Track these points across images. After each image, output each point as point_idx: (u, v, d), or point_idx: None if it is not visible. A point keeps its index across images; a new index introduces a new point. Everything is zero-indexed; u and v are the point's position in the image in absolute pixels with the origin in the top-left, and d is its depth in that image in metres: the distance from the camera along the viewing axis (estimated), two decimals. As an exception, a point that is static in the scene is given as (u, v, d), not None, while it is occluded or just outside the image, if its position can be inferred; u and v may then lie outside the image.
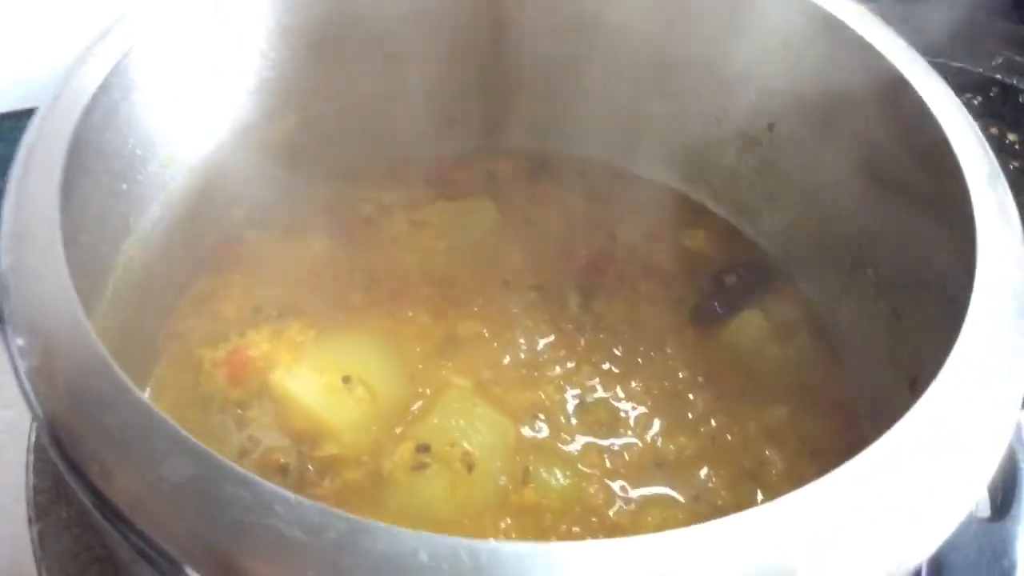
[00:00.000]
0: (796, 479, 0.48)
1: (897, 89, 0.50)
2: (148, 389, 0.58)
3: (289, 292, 0.62)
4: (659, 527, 0.49)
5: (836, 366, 0.61)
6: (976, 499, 0.39)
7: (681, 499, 0.54)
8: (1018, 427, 0.43)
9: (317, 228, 0.66)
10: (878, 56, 0.52)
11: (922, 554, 0.37)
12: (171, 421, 0.34)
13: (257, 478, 0.33)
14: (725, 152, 0.67)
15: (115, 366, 0.35)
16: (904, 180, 0.52)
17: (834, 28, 0.54)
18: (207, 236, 0.62)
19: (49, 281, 0.38)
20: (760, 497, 0.55)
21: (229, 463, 0.33)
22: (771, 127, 0.63)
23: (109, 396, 0.35)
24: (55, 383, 0.36)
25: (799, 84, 0.59)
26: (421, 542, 0.32)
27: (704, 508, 0.54)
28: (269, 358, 0.58)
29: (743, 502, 0.55)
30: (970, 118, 0.48)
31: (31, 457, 0.53)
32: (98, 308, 0.50)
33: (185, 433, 0.34)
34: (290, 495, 0.32)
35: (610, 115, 0.69)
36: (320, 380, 0.57)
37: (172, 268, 0.60)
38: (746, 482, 0.55)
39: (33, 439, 0.53)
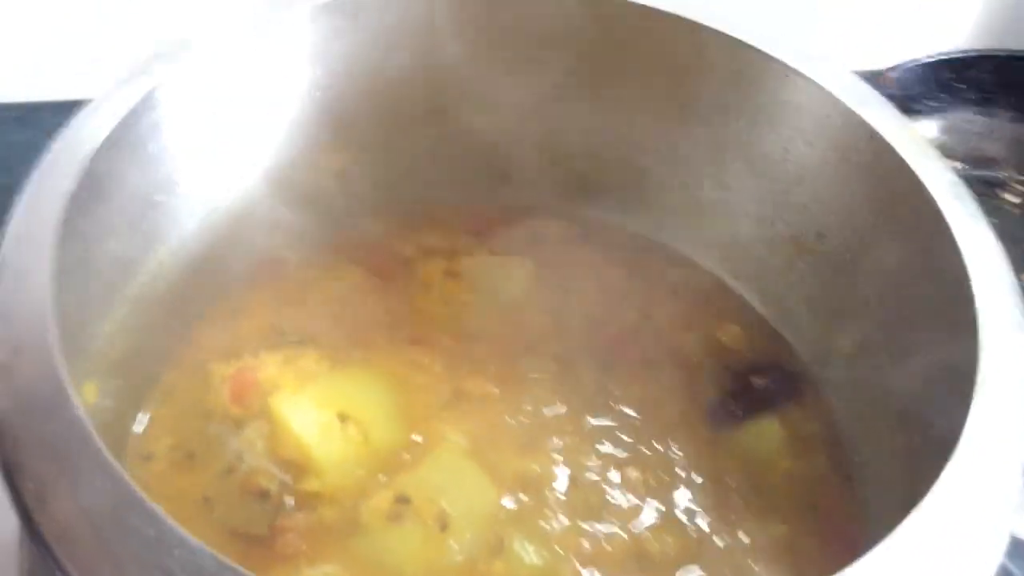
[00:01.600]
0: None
1: (933, 221, 0.48)
2: (156, 392, 0.60)
3: (313, 320, 0.63)
4: None
5: (847, 490, 0.59)
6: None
7: None
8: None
9: (354, 262, 0.67)
10: (918, 185, 0.50)
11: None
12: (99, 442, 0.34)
13: (164, 516, 0.32)
14: (775, 252, 0.66)
15: (66, 378, 0.36)
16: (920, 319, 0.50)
17: (882, 150, 0.53)
18: (244, 257, 0.64)
19: (33, 278, 0.39)
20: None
21: (141, 495, 0.33)
22: (820, 236, 0.61)
23: (53, 406, 0.35)
24: (10, 381, 0.36)
25: (851, 199, 0.58)
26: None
27: None
28: (275, 382, 0.59)
29: None
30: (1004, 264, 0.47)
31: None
32: (113, 311, 0.53)
33: (109, 458, 0.34)
34: (192, 540, 0.32)
35: (665, 193, 0.69)
36: (318, 413, 0.58)
37: (202, 282, 0.62)
38: None
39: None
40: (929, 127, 0.94)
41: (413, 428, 0.58)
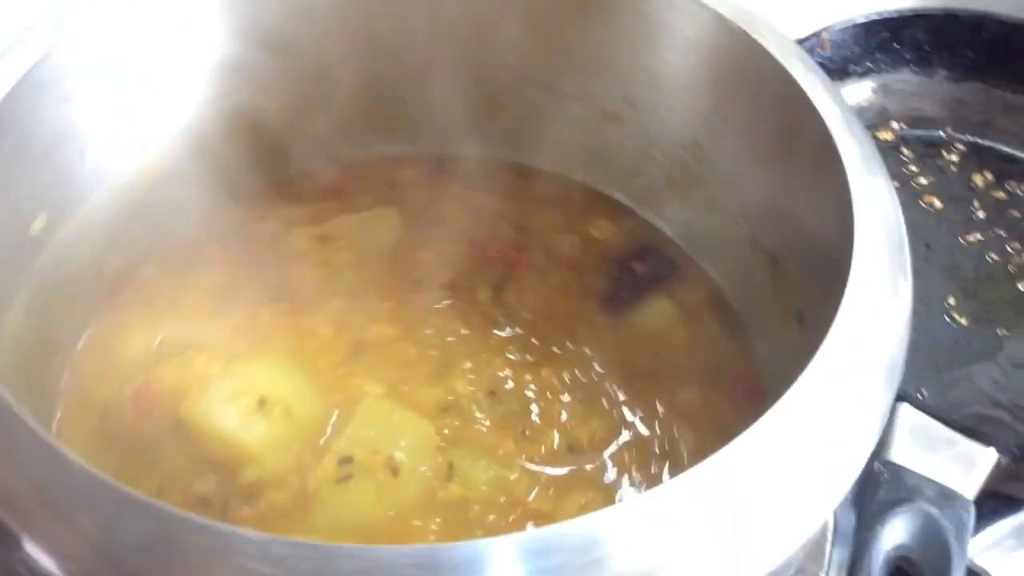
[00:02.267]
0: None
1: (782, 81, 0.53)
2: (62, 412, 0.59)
3: (193, 322, 0.62)
4: (582, 509, 0.52)
5: (742, 346, 0.64)
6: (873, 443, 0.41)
7: (599, 481, 0.57)
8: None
9: (218, 252, 0.66)
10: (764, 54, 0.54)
11: (829, 504, 0.40)
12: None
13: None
14: (626, 147, 0.69)
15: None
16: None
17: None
18: (106, 272, 0.62)
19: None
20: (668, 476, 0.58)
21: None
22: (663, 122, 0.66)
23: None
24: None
25: (696, 82, 0.62)
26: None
27: (619, 488, 0.57)
28: (178, 391, 0.58)
29: (656, 481, 0.58)
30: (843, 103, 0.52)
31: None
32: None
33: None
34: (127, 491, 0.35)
35: (505, 114, 0.71)
36: (234, 406, 0.57)
37: (74, 306, 0.61)
38: (658, 462, 0.58)
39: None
40: (866, 88, 0.94)
41: (330, 391, 0.59)
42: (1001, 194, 0.91)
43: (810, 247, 0.55)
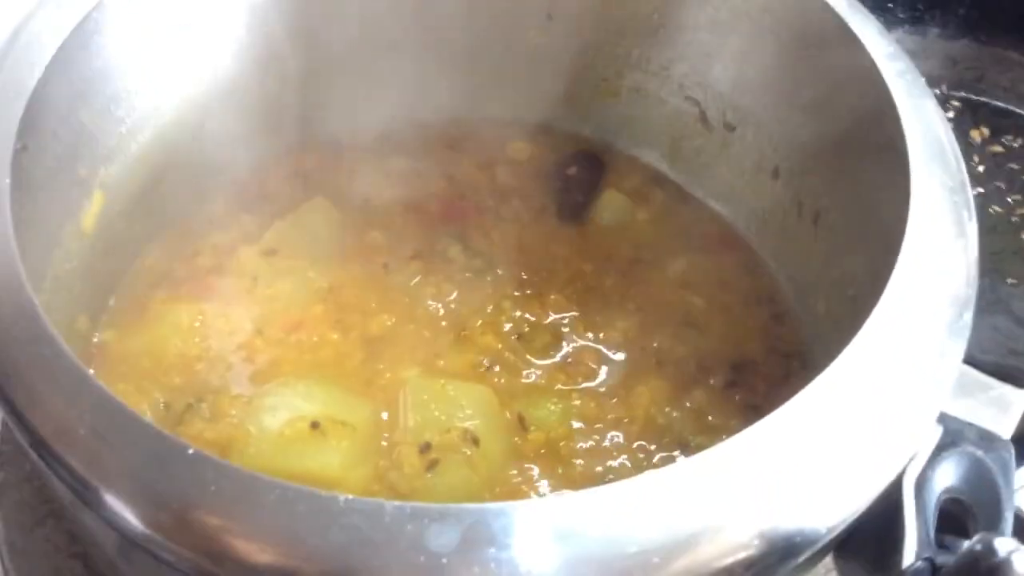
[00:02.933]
0: (720, 312, 0.61)
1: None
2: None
3: (188, 378, 0.59)
4: (652, 403, 0.57)
5: (708, 212, 0.68)
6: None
7: (651, 362, 0.60)
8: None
9: (169, 302, 0.62)
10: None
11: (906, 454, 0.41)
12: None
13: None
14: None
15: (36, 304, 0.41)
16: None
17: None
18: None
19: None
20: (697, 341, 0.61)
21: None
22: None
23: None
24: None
25: None
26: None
27: (670, 367, 0.60)
28: (222, 445, 0.55)
29: (689, 349, 0.61)
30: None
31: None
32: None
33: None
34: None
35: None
36: (289, 439, 0.55)
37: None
38: (685, 330, 0.62)
39: None
40: None
41: (370, 390, 0.58)
42: (998, 148, 0.93)
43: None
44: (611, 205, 0.69)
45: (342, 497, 0.35)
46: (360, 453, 0.55)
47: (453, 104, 0.71)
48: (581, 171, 0.70)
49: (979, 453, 0.50)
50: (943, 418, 0.48)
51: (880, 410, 0.41)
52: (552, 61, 0.69)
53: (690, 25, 0.64)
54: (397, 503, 0.35)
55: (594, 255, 0.66)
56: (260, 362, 0.60)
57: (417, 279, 0.64)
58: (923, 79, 0.52)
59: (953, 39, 0.95)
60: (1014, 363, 0.74)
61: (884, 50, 0.52)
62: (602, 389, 0.59)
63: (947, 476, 0.49)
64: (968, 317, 0.44)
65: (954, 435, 0.49)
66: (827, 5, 0.54)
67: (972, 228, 0.47)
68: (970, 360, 0.65)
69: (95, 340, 0.60)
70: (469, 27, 0.68)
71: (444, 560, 0.34)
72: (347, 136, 0.70)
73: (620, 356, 0.61)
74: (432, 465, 0.54)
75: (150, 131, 0.60)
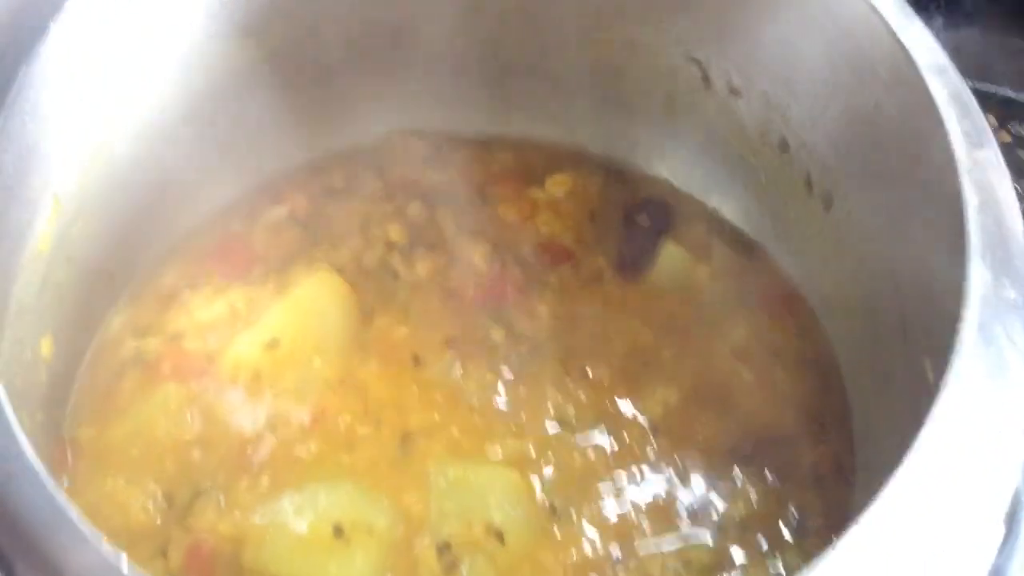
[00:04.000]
0: (769, 386, 0.57)
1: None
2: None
3: (184, 465, 0.53)
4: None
5: (770, 266, 0.63)
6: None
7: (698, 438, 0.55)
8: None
9: (148, 384, 0.56)
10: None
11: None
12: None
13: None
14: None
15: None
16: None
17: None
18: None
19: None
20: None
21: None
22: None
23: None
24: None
25: None
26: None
27: (710, 447, 0.55)
28: (231, 538, 0.51)
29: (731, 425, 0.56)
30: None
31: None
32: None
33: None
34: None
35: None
36: (309, 543, 0.50)
37: None
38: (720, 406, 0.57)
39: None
40: None
41: (397, 489, 0.53)
42: (1006, 137, 0.93)
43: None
44: (675, 257, 0.62)
45: None
46: (385, 560, 0.50)
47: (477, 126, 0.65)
48: (651, 219, 0.63)
49: None
50: None
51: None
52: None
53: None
54: None
55: (645, 318, 0.59)
56: (280, 458, 0.54)
57: (457, 370, 0.57)
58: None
59: (958, 28, 0.93)
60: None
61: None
62: (636, 471, 0.54)
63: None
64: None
65: None
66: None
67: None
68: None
69: (66, 436, 0.54)
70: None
71: None
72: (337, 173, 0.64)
73: (660, 434, 0.56)
74: (452, 567, 0.50)
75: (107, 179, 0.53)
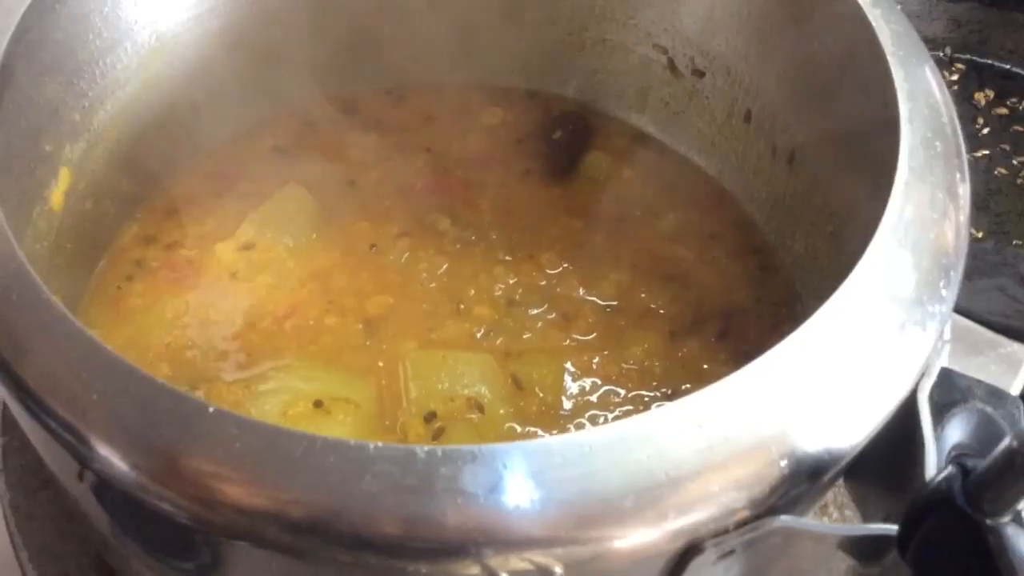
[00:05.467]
0: (709, 264, 0.62)
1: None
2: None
3: (177, 366, 0.59)
4: (646, 355, 0.58)
5: (691, 166, 0.70)
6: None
7: (644, 313, 0.61)
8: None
9: (149, 295, 0.62)
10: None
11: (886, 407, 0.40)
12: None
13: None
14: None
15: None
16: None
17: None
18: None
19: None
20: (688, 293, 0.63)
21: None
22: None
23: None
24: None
25: None
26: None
27: (663, 319, 0.61)
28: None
29: (680, 301, 0.62)
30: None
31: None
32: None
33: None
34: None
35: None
36: (293, 419, 0.55)
37: None
38: (676, 282, 0.63)
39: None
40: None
41: (372, 370, 0.58)
42: (1003, 110, 0.95)
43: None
44: (597, 163, 0.70)
45: (371, 445, 0.35)
46: (365, 428, 0.56)
47: (424, 72, 0.72)
48: (566, 134, 0.71)
49: (988, 409, 0.50)
50: (951, 375, 0.49)
51: (882, 333, 0.41)
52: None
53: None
54: (428, 447, 0.35)
55: (579, 214, 0.66)
56: (254, 350, 0.59)
57: (407, 255, 0.64)
58: (917, 35, 0.52)
59: (958, 1, 0.97)
60: (1021, 324, 0.74)
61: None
62: (596, 343, 0.60)
63: (956, 432, 0.49)
64: (957, 273, 0.45)
65: (963, 392, 0.50)
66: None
67: (964, 188, 0.47)
68: (978, 319, 0.65)
69: None
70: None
71: (482, 500, 0.34)
72: (319, 110, 0.71)
73: (612, 308, 0.62)
74: (439, 434, 0.55)
75: (111, 107, 0.60)
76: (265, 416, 0.55)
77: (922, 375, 0.42)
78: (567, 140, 0.71)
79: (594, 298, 0.62)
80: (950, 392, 0.51)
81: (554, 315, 0.61)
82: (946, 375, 0.52)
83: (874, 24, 0.51)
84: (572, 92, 0.73)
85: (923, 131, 0.47)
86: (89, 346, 0.39)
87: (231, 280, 0.62)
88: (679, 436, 0.36)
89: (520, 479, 0.35)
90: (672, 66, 0.68)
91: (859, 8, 0.52)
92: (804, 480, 0.38)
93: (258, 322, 0.60)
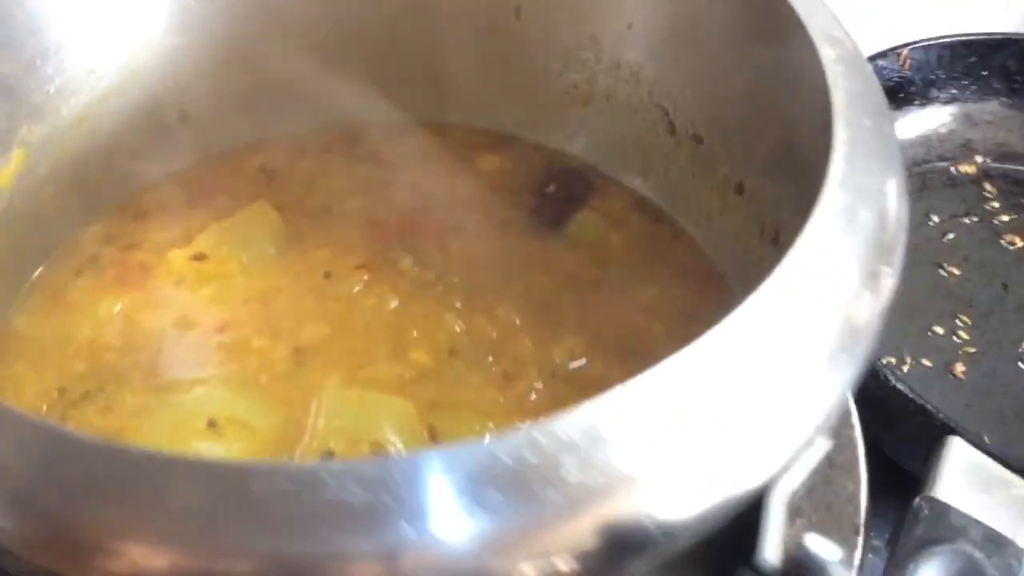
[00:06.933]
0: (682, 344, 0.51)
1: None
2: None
3: (93, 365, 0.58)
4: None
5: (686, 239, 0.65)
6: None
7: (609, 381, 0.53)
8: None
9: (91, 291, 0.62)
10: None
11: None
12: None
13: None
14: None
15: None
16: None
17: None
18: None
19: None
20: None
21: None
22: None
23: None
24: None
25: None
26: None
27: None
28: (108, 435, 0.54)
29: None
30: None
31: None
32: None
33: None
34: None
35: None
36: (182, 434, 0.53)
37: None
38: (633, 359, 0.58)
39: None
40: (948, 116, 0.91)
41: (285, 399, 0.55)
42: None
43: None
44: (585, 226, 0.66)
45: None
46: (254, 456, 0.52)
47: (422, 108, 0.70)
48: (560, 190, 0.68)
49: (978, 554, 0.46)
50: (947, 510, 0.47)
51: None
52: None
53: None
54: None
55: (554, 274, 0.63)
56: (175, 360, 0.58)
57: (359, 288, 0.62)
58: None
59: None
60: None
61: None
62: (532, 408, 0.55)
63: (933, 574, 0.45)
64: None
65: (955, 530, 0.47)
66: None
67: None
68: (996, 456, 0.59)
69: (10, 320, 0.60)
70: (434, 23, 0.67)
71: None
72: (309, 134, 0.70)
73: (560, 375, 0.57)
74: None
75: (86, 95, 0.61)
76: (155, 428, 0.53)
77: (782, 470, 0.36)
78: (560, 196, 0.68)
79: (543, 361, 0.58)
80: (938, 528, 0.47)
81: (495, 371, 0.57)
82: (939, 509, 0.49)
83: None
84: (578, 149, 0.70)
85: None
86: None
87: (175, 288, 0.61)
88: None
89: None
90: (672, 129, 0.64)
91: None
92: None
93: (187, 333, 0.59)
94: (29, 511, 0.32)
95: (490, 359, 0.58)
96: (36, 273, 0.62)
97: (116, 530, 0.31)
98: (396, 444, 0.53)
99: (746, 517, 0.35)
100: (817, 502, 0.46)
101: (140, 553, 0.31)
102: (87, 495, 0.32)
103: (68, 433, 0.34)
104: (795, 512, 0.36)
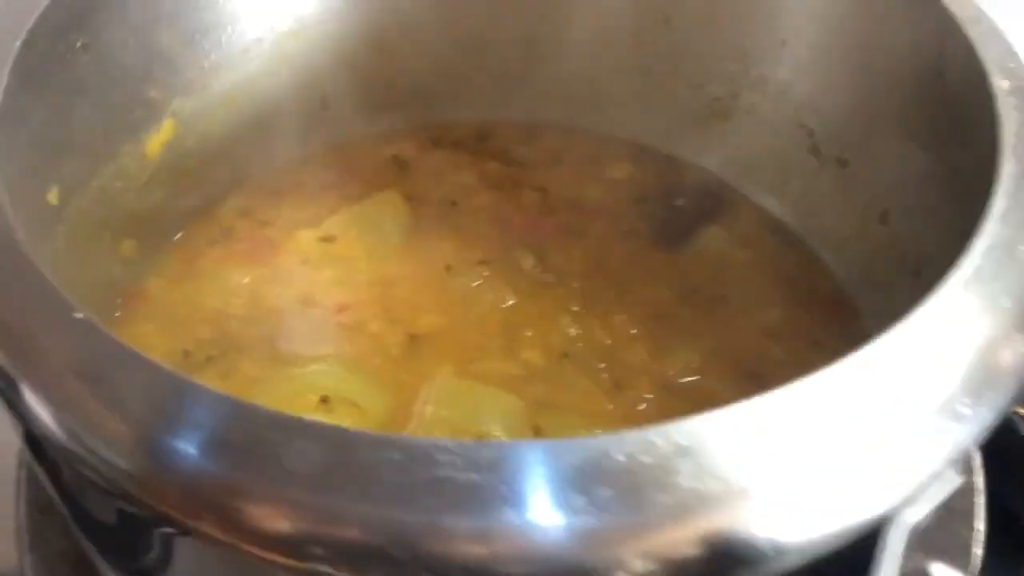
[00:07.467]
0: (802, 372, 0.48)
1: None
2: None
3: (217, 332, 0.60)
4: None
5: (817, 264, 0.64)
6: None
7: (721, 400, 0.52)
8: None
9: (221, 261, 0.64)
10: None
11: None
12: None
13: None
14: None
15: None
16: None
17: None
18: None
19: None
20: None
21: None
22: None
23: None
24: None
25: None
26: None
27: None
28: None
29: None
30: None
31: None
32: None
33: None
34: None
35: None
36: (294, 407, 0.54)
37: None
38: (749, 380, 0.57)
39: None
40: None
41: (396, 383, 0.56)
42: None
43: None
44: (712, 241, 0.65)
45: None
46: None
47: (555, 111, 0.71)
48: (689, 204, 0.67)
49: None
50: None
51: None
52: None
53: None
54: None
55: (675, 287, 0.62)
56: (294, 335, 0.59)
57: (478, 282, 0.63)
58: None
59: None
60: None
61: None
62: (640, 418, 0.55)
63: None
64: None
65: None
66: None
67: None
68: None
69: (135, 282, 0.62)
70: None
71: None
72: (442, 128, 0.72)
73: (673, 388, 0.56)
74: None
75: (236, 75, 0.63)
76: (270, 398, 0.54)
77: (905, 501, 0.34)
78: (689, 209, 0.67)
79: (655, 373, 0.57)
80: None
81: (606, 378, 0.57)
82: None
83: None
84: (712, 164, 0.69)
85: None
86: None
87: (300, 266, 0.63)
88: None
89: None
90: (816, 150, 0.63)
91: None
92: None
93: (308, 311, 0.61)
94: (152, 457, 0.33)
95: (602, 365, 0.58)
96: (174, 239, 0.65)
97: (232, 485, 0.32)
98: (500, 437, 0.53)
99: (859, 545, 0.34)
100: (930, 544, 0.44)
101: (251, 511, 0.31)
102: (210, 447, 0.33)
103: (197, 384, 0.34)
104: (913, 547, 0.34)
